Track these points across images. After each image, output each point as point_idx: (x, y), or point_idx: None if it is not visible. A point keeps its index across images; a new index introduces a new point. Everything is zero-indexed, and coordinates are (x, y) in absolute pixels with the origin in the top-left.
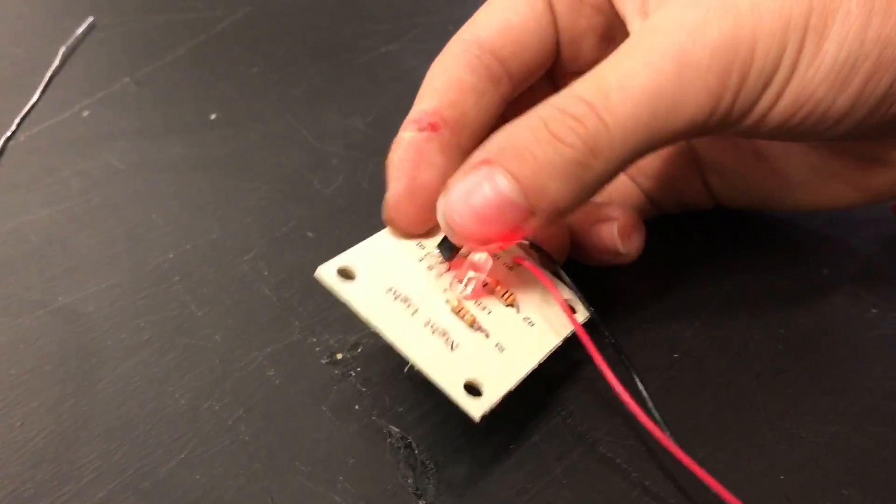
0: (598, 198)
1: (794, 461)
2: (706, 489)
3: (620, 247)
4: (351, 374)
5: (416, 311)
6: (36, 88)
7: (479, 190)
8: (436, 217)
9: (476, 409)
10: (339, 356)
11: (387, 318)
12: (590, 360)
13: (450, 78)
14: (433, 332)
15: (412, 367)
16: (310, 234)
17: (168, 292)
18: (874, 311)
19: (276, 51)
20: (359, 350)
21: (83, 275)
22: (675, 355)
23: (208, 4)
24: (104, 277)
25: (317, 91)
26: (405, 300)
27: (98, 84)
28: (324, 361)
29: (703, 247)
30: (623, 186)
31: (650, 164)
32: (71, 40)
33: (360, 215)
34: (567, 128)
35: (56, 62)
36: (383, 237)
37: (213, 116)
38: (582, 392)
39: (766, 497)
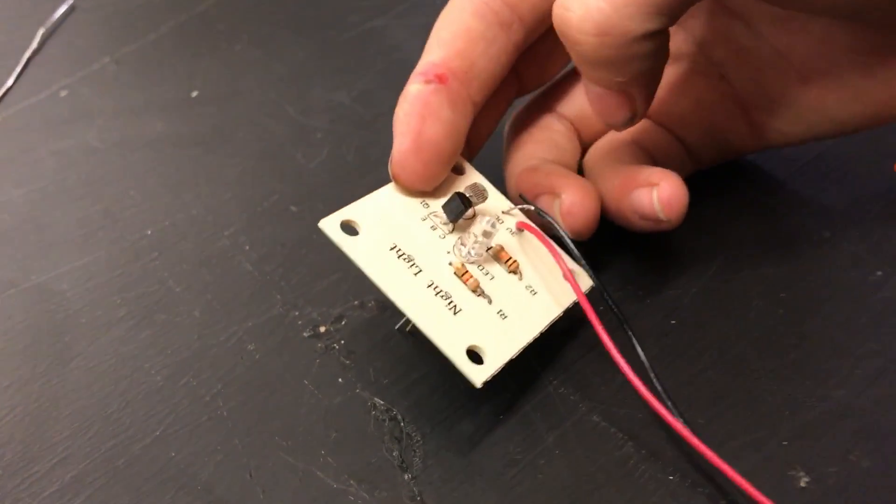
0: (641, 160)
1: (797, 427)
2: (702, 456)
3: (661, 213)
4: (334, 347)
5: (420, 271)
6: (13, 71)
7: (587, 93)
8: (443, 173)
9: (478, 375)
10: (323, 329)
11: (390, 277)
12: (582, 328)
13: (457, 27)
14: (436, 295)
15: (410, 325)
16: (293, 209)
17: (145, 269)
18: (878, 273)
19: (259, 28)
20: (343, 323)
21: (58, 253)
22: (672, 322)
23: None
24: (79, 255)
25: (301, 67)
26: (408, 259)
27: (77, 64)
28: (306, 335)
29: (701, 212)
30: (664, 142)
31: (683, 108)
32: (50, 22)
33: (345, 189)
34: (565, 20)
35: (34, 44)
36: (388, 192)
37: (194, 94)
38: (574, 361)
39: (769, 464)
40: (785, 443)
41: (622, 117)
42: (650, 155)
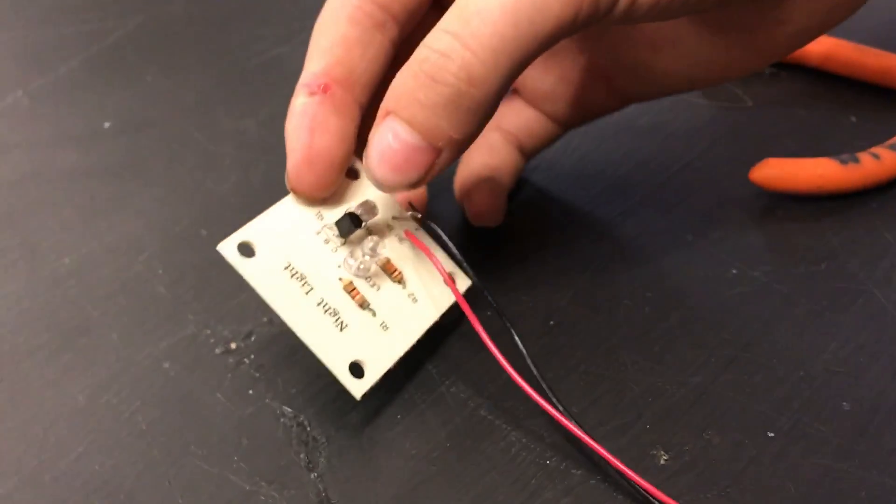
0: (503, 145)
1: (659, 411)
2: (576, 442)
3: (473, 222)
4: (245, 362)
5: (311, 290)
6: None
7: (386, 141)
8: (338, 179)
9: (358, 388)
10: (234, 345)
11: (282, 298)
12: (471, 333)
13: (333, 35)
14: (325, 312)
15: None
16: (203, 232)
17: (65, 296)
18: (734, 271)
19: (168, 59)
20: (252, 338)
21: None
22: (551, 322)
23: (100, 16)
24: (1, 284)
25: (209, 96)
26: (301, 278)
27: None
28: (218, 351)
29: (580, 220)
30: (529, 120)
31: (549, 86)
32: None
33: (253, 212)
34: (438, 66)
35: None
36: (285, 205)
37: (106, 125)
38: (464, 363)
39: (634, 445)
40: (648, 426)
41: (414, 177)
42: (516, 138)
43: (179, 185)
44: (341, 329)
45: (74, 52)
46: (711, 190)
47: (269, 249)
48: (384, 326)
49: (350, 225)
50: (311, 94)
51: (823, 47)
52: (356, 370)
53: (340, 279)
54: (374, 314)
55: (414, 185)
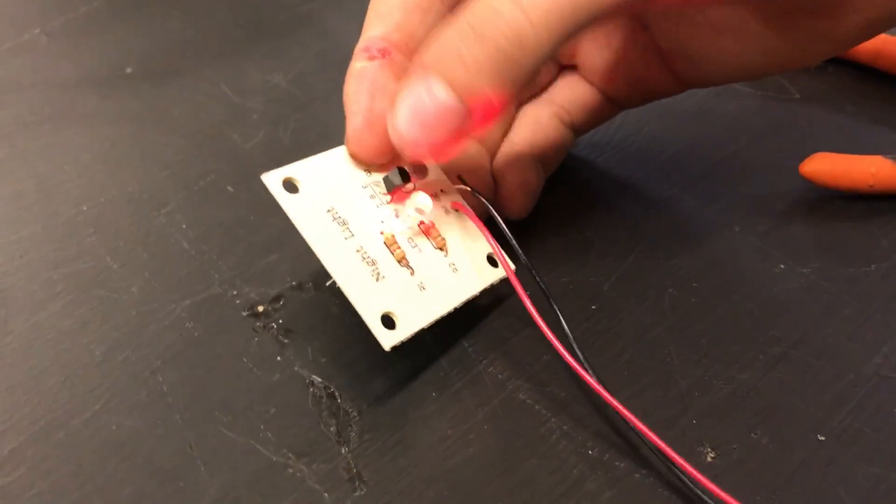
0: (557, 126)
1: (705, 406)
2: (620, 432)
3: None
4: (273, 327)
5: (351, 236)
6: None
7: (420, 99)
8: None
9: (388, 339)
10: (261, 309)
11: (321, 237)
12: (510, 313)
13: (392, 0)
14: (363, 260)
15: (334, 283)
16: (229, 189)
17: (81, 245)
18: (782, 266)
19: (195, 6)
20: (281, 303)
21: None
22: (593, 307)
23: None
24: (14, 230)
25: (237, 48)
26: (343, 223)
27: (6, 35)
28: (244, 314)
29: (620, 206)
30: (585, 97)
31: (608, 63)
32: None
33: None
34: (488, 22)
35: None
36: (335, 155)
37: (129, 70)
38: (503, 343)
39: (680, 440)
40: (694, 421)
41: (446, 139)
42: (570, 114)
43: (205, 137)
44: (377, 279)
45: None
46: (757, 181)
47: (314, 190)
48: (421, 287)
49: (398, 180)
50: (371, 58)
51: (875, 43)
52: (388, 322)
53: (382, 233)
54: (412, 273)
55: (436, 150)
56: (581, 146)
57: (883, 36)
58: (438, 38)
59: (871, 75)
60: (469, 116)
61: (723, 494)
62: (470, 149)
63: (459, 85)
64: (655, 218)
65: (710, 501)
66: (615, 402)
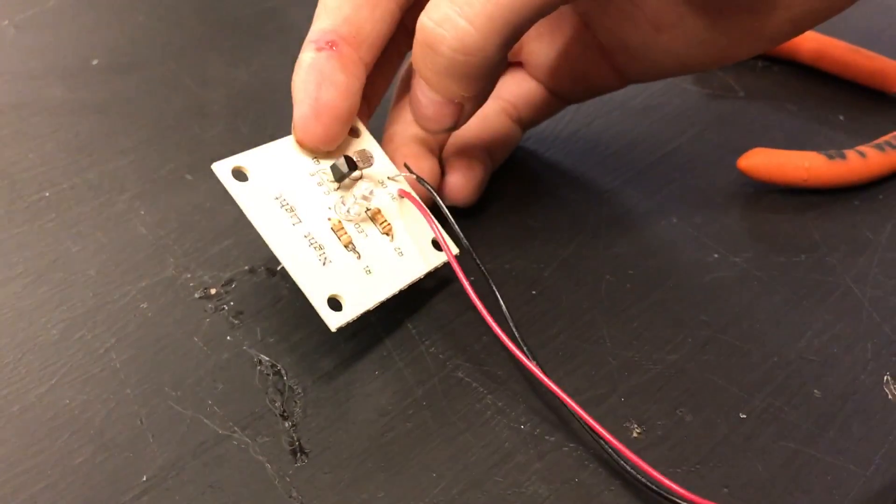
0: (503, 119)
1: (634, 385)
2: (552, 409)
3: (447, 199)
4: (224, 308)
5: (299, 222)
6: None
7: (416, 96)
8: (342, 133)
9: (334, 321)
10: (213, 291)
11: (269, 224)
12: (453, 295)
13: None
14: (310, 245)
15: (284, 269)
16: (188, 177)
17: (43, 229)
18: (715, 255)
19: (161, 1)
20: (233, 285)
21: None
22: (533, 292)
23: None
24: None
25: (201, 42)
26: (291, 210)
27: None
28: (197, 296)
29: (564, 195)
30: (531, 93)
31: (552, 60)
32: None
33: None
34: (435, 36)
35: None
36: (284, 144)
37: (94, 62)
38: (445, 325)
39: (608, 417)
40: (623, 399)
41: (448, 125)
42: (516, 109)
43: (166, 128)
44: (324, 263)
45: None
46: (698, 175)
47: (262, 178)
48: (367, 270)
49: (345, 168)
50: (319, 49)
51: (817, 45)
52: (334, 304)
53: (329, 219)
54: (358, 257)
55: (452, 129)
56: (530, 139)
57: (825, 38)
58: (413, 48)
59: (814, 75)
60: (457, 106)
61: (644, 465)
62: (417, 135)
63: (435, 86)
64: (598, 208)
65: (632, 472)
66: (546, 379)
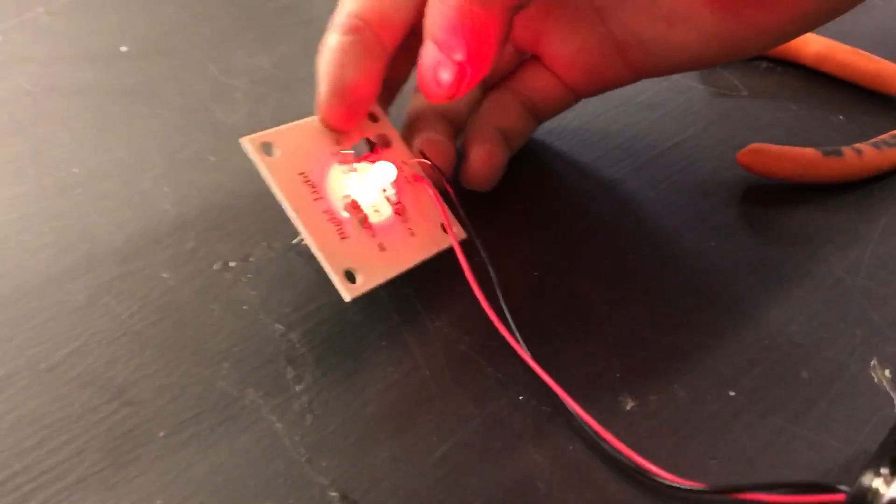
0: (520, 109)
1: (630, 363)
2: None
3: (466, 183)
4: (241, 280)
5: (320, 198)
6: None
7: (423, 60)
8: (363, 113)
9: (348, 292)
10: (232, 264)
11: (293, 196)
12: (460, 275)
13: None
14: (329, 220)
15: (301, 241)
16: (211, 158)
17: (71, 202)
18: (712, 244)
19: None
20: (250, 260)
21: None
22: (535, 274)
23: None
24: (9, 187)
25: (226, 31)
26: (312, 186)
27: (10, 12)
28: (216, 268)
29: (573, 184)
30: (547, 86)
31: (569, 53)
32: None
33: None
34: None
35: None
36: (308, 124)
37: (123, 48)
38: (452, 302)
39: (604, 391)
40: (618, 375)
41: (448, 90)
42: (532, 101)
43: (191, 112)
44: (341, 238)
45: None
46: (700, 168)
47: (288, 154)
48: (381, 248)
49: (364, 150)
50: (344, 32)
51: (820, 47)
52: (349, 277)
53: (346, 196)
54: (373, 234)
55: (452, 96)
56: (541, 131)
57: (827, 41)
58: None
59: (816, 77)
60: (459, 68)
61: (621, 446)
62: (436, 125)
63: (441, 43)
64: (601, 198)
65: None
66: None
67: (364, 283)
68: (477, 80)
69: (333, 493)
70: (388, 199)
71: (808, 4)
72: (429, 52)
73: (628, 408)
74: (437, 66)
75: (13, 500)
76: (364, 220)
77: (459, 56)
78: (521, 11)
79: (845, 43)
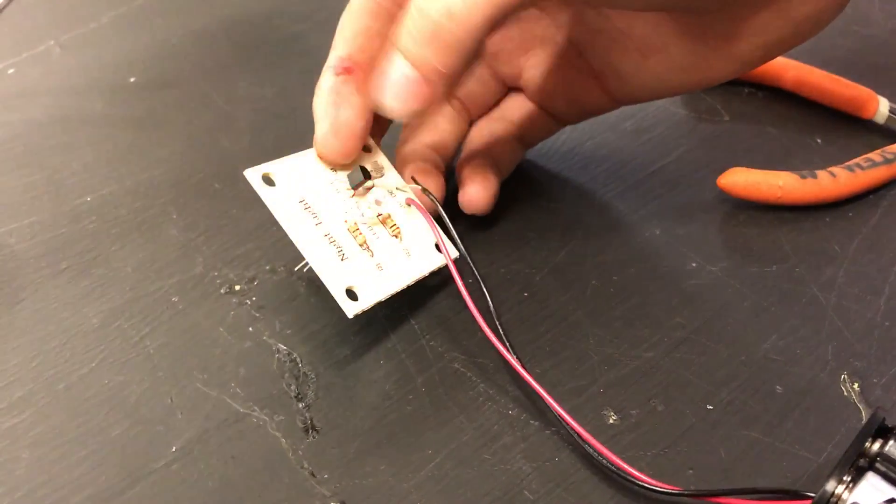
0: (507, 137)
1: (612, 378)
2: (535, 398)
3: (464, 209)
4: (247, 303)
5: (320, 223)
6: None
7: (387, 71)
8: (358, 148)
9: (351, 309)
10: (238, 287)
11: (294, 223)
12: (453, 296)
13: (357, 27)
14: (330, 243)
15: (305, 266)
16: (216, 185)
17: (85, 230)
18: (693, 264)
19: (193, 25)
20: (255, 283)
21: (6, 212)
22: (525, 294)
23: None
24: (26, 215)
25: (229, 62)
26: (313, 213)
27: (23, 46)
28: (223, 291)
29: (560, 208)
30: (532, 115)
31: (549, 85)
32: None
33: None
34: (429, 2)
35: None
36: (306, 157)
37: (132, 80)
38: (444, 322)
39: (587, 405)
40: (601, 390)
41: (413, 105)
42: (519, 129)
43: (197, 140)
44: (342, 259)
45: (104, 9)
46: (682, 191)
47: (288, 184)
48: (379, 267)
49: (360, 176)
50: (337, 74)
51: (798, 73)
52: (351, 295)
53: (346, 221)
54: (371, 255)
55: (415, 114)
56: (530, 155)
57: (806, 66)
58: (399, 19)
59: (795, 101)
60: (427, 84)
61: (605, 450)
62: (426, 156)
63: (412, 57)
64: (588, 219)
65: (598, 456)
66: (524, 372)
67: (364, 301)
68: (438, 97)
69: None
70: (383, 224)
71: (770, 34)
72: (396, 65)
73: (611, 421)
74: (404, 79)
75: None
76: (363, 243)
77: (431, 69)
78: (501, 48)
79: (823, 68)
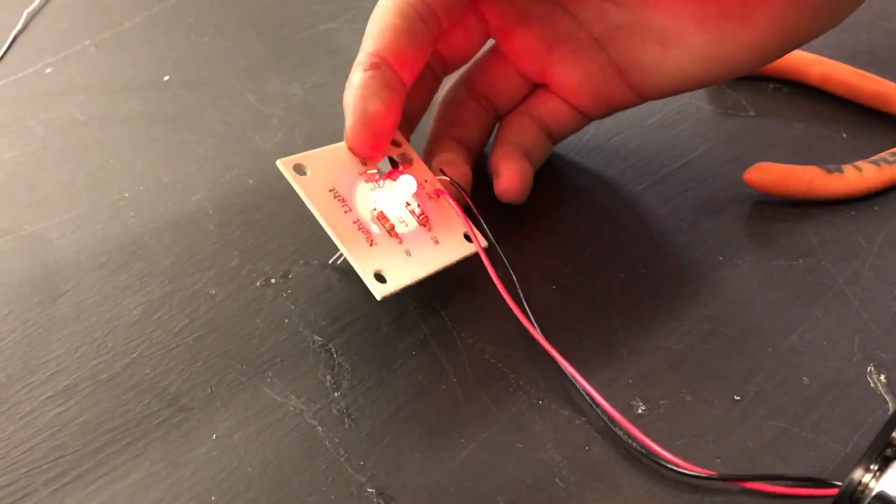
0: (534, 131)
1: (641, 370)
2: (565, 387)
3: (500, 198)
4: (282, 295)
5: (349, 211)
6: (0, 48)
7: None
8: (386, 141)
9: (379, 291)
10: (273, 281)
11: (325, 210)
12: (482, 289)
13: (385, 24)
14: (359, 230)
15: (339, 259)
16: (250, 181)
17: (124, 225)
18: (720, 258)
19: (225, 23)
20: (290, 276)
21: (47, 208)
22: (554, 287)
23: None
24: (66, 211)
25: (261, 61)
26: (342, 200)
27: (60, 45)
28: (259, 284)
29: (588, 202)
30: (558, 110)
31: (573, 81)
32: (34, 5)
33: None
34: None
35: (20, 24)
36: (337, 149)
37: (166, 78)
38: (475, 315)
39: (617, 396)
40: (630, 381)
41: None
42: (545, 124)
43: (231, 138)
44: (371, 244)
45: (138, 9)
46: (709, 186)
47: (319, 174)
48: (407, 253)
49: (388, 167)
50: (366, 70)
51: (824, 68)
52: (380, 278)
53: (374, 209)
54: (399, 241)
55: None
56: (558, 151)
57: (832, 62)
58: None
59: (821, 97)
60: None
61: (640, 435)
62: (453, 149)
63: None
64: (615, 214)
65: (629, 441)
66: (561, 358)
67: (392, 284)
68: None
69: (370, 490)
70: (412, 213)
71: (784, 20)
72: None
73: (639, 411)
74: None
75: (83, 496)
76: (391, 230)
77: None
78: (525, 46)
79: (848, 63)
